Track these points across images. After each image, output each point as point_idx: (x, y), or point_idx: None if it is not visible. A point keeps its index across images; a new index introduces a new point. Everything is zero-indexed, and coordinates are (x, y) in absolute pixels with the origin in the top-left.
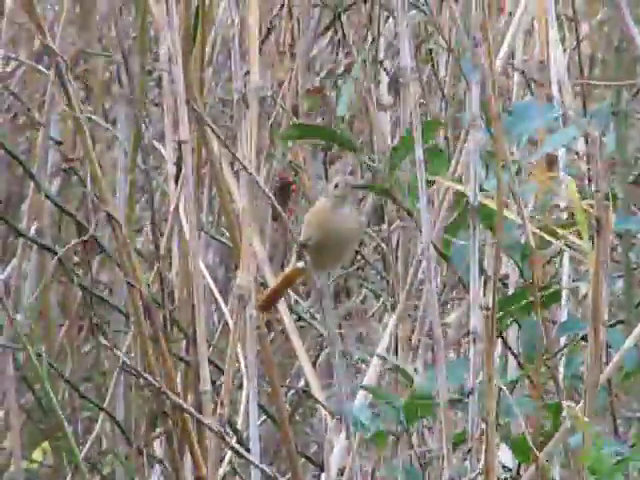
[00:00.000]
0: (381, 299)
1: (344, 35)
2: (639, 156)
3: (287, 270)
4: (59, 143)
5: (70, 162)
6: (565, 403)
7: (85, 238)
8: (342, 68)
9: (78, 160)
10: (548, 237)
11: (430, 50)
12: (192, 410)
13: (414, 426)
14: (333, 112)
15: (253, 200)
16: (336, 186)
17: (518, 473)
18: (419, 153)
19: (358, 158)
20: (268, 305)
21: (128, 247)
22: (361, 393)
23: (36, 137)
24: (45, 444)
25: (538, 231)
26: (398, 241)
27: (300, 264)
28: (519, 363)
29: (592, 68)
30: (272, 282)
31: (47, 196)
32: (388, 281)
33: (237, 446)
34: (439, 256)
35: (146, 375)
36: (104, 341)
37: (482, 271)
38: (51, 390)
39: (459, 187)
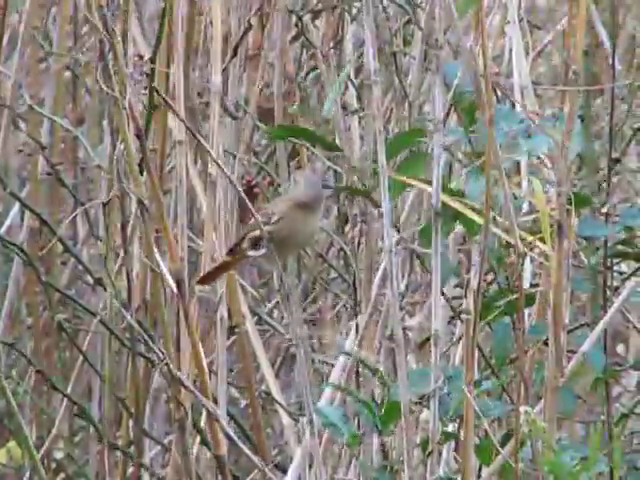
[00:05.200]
0: (341, 302)
1: (307, 40)
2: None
3: (225, 257)
4: (44, 148)
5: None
6: (522, 408)
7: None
8: (305, 71)
9: (62, 164)
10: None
11: (394, 53)
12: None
13: (388, 429)
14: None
15: (218, 201)
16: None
17: (479, 475)
18: (382, 159)
19: (334, 161)
20: (206, 281)
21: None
22: (326, 394)
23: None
24: (12, 444)
25: (505, 235)
26: (359, 244)
27: (252, 252)
28: (489, 365)
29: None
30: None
31: (12, 194)
32: (352, 285)
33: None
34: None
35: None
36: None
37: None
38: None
39: (425, 187)
